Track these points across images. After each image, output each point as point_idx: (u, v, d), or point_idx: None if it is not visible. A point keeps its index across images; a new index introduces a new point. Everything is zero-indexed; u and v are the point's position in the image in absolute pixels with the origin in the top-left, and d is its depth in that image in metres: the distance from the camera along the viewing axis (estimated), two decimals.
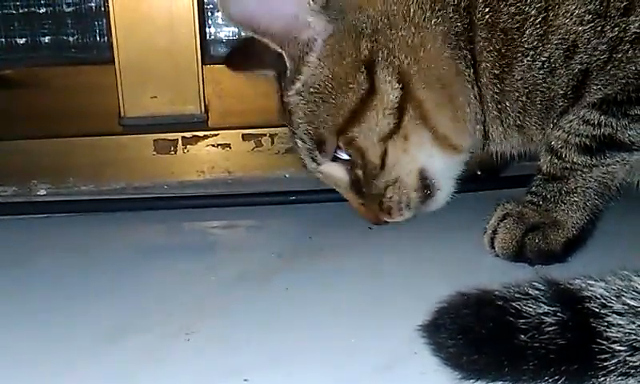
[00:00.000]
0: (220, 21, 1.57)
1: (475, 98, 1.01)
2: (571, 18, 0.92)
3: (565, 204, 0.98)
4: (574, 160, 0.97)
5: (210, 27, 1.55)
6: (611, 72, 0.92)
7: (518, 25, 0.94)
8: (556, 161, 0.98)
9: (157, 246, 1.14)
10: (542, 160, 1.00)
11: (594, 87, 0.93)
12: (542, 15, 0.93)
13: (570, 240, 0.98)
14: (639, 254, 0.98)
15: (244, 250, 1.12)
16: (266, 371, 0.76)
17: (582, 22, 0.91)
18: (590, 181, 0.97)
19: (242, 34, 1.56)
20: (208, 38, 1.55)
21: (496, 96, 0.99)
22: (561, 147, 0.97)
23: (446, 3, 0.98)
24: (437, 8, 0.98)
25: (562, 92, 0.96)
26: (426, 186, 1.06)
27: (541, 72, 0.95)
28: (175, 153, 1.34)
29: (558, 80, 0.95)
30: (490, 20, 0.96)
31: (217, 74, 1.42)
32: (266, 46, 1.01)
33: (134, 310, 0.90)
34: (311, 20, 0.98)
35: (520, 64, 0.96)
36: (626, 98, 0.92)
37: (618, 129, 0.93)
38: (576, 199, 0.98)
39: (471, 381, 0.69)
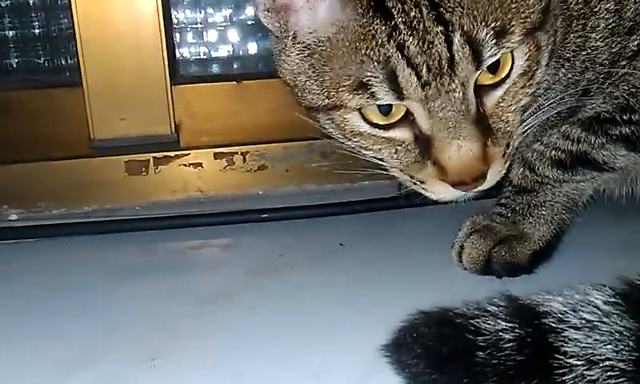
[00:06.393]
0: (190, 39, 1.57)
1: None
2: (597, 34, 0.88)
3: (532, 217, 1.00)
4: (546, 174, 0.98)
5: (179, 47, 1.55)
6: (607, 90, 0.90)
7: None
8: (528, 173, 0.99)
9: (130, 268, 1.13)
10: (513, 173, 1.00)
11: (589, 106, 0.92)
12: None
13: (537, 252, 0.99)
14: (608, 264, 0.99)
15: (217, 269, 1.12)
16: None
17: (602, 37, 0.88)
18: (558, 195, 0.99)
19: (212, 54, 1.58)
20: (178, 57, 1.54)
21: None
22: (535, 159, 0.98)
23: None
24: None
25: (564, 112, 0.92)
26: None
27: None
28: (147, 173, 1.34)
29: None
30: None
31: (187, 94, 1.42)
32: None
33: (104, 334, 0.90)
34: None
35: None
36: (609, 118, 0.92)
37: (595, 147, 0.94)
38: (544, 213, 0.99)
39: None
